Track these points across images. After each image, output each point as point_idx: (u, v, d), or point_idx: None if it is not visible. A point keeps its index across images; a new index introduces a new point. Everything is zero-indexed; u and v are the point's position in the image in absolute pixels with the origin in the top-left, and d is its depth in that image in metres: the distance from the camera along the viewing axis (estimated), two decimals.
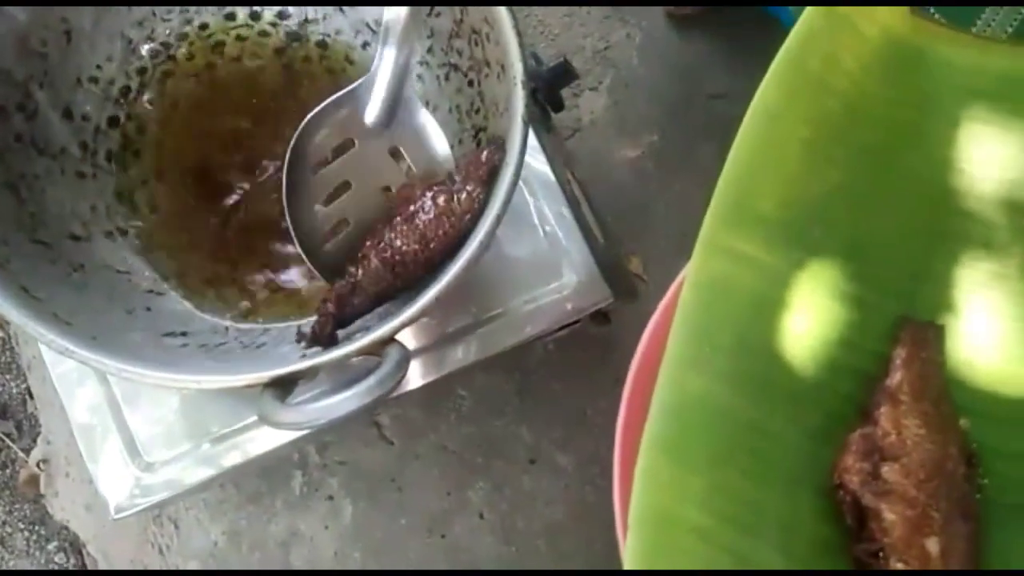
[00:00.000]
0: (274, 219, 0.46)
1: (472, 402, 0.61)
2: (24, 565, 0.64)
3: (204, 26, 0.47)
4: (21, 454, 0.64)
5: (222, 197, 0.46)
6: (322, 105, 0.40)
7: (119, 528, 0.62)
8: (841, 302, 0.33)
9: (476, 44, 0.41)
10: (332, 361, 0.35)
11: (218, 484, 0.59)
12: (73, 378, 0.46)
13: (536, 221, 0.47)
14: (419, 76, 0.45)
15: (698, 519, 0.30)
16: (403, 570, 0.60)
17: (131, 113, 0.46)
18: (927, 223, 0.34)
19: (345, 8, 0.47)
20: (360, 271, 0.39)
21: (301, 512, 0.61)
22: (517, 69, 0.37)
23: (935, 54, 0.34)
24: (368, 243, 0.39)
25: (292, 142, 0.40)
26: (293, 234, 0.40)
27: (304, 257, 0.40)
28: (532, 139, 0.43)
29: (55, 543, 0.64)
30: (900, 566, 0.30)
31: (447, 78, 0.45)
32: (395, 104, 0.40)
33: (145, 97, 0.46)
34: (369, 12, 0.47)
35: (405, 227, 0.38)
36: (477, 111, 0.42)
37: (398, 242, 0.38)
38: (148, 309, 0.43)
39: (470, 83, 0.43)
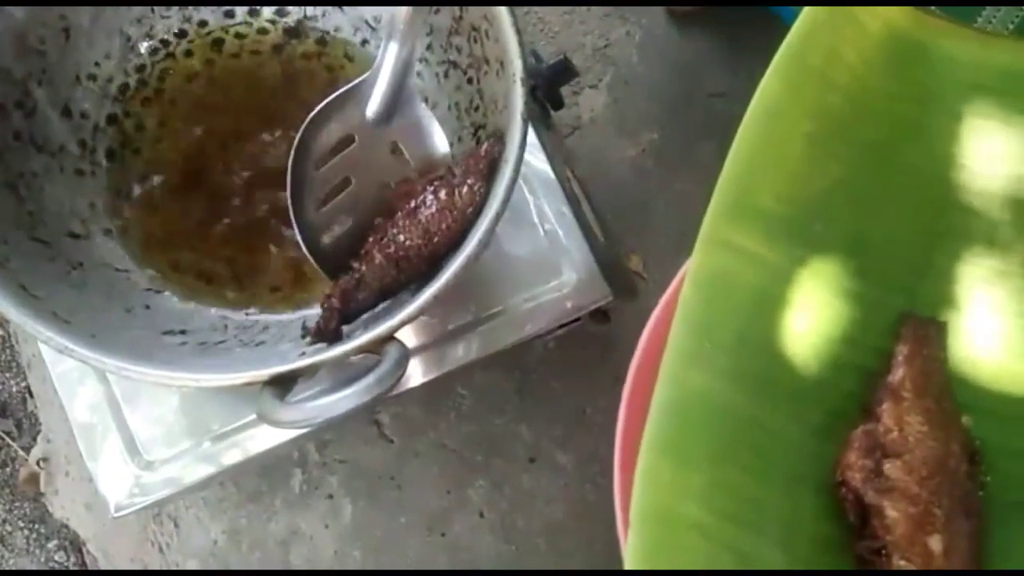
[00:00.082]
0: (272, 216, 0.45)
1: (472, 400, 0.61)
2: (24, 563, 0.63)
3: (203, 23, 0.47)
4: (21, 452, 0.64)
5: (220, 194, 0.46)
6: (326, 100, 0.40)
7: (119, 526, 0.62)
8: (843, 298, 0.33)
9: (475, 41, 0.41)
10: (331, 359, 0.35)
11: (218, 482, 0.59)
12: (73, 377, 0.46)
13: (536, 219, 0.47)
14: (418, 73, 0.45)
15: (699, 516, 0.30)
16: (403, 570, 0.60)
17: (129, 110, 0.46)
18: (929, 219, 0.34)
19: (344, 5, 0.47)
20: (364, 267, 0.39)
21: (301, 510, 0.60)
22: (517, 66, 0.37)
23: (936, 48, 0.34)
24: (371, 239, 0.39)
25: (297, 138, 0.39)
26: (297, 231, 0.40)
27: (307, 254, 0.40)
28: (532, 137, 0.43)
29: (55, 541, 0.64)
30: (903, 564, 0.30)
31: (446, 75, 0.44)
32: (397, 99, 0.40)
33: (143, 94, 0.46)
34: (368, 9, 0.47)
35: (407, 222, 0.38)
36: (476, 109, 0.42)
37: (401, 237, 0.38)
38: (147, 307, 0.43)
39: (469, 80, 0.43)
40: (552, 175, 0.47)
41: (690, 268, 0.32)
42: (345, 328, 0.40)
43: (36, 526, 0.64)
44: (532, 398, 0.61)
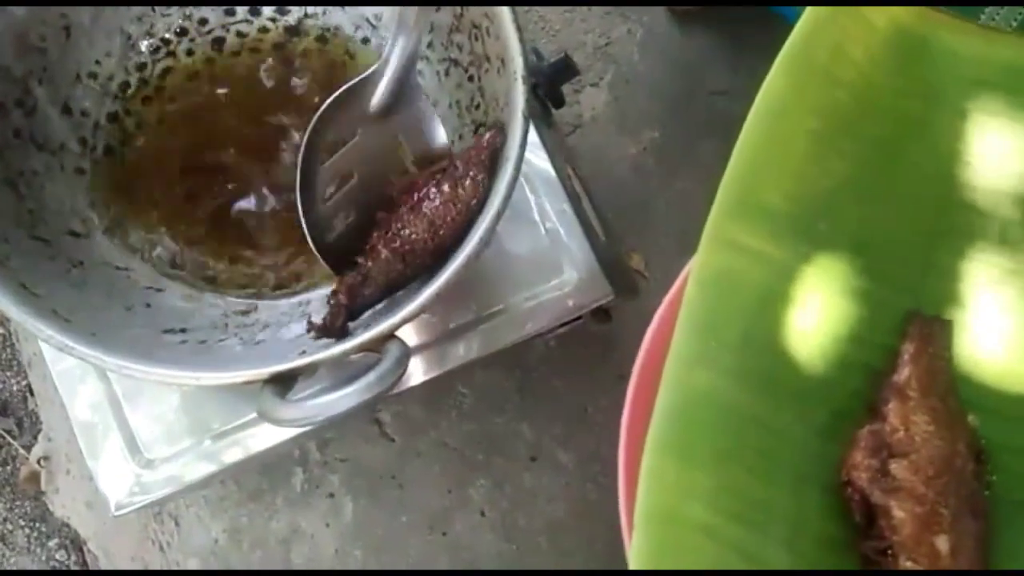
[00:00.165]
0: (274, 211, 0.45)
1: (473, 399, 0.61)
2: (25, 562, 0.63)
3: (203, 21, 0.47)
4: (22, 451, 0.64)
5: (221, 192, 0.46)
6: (335, 95, 0.39)
7: (120, 525, 0.62)
8: (848, 296, 0.33)
9: (476, 39, 0.41)
10: (332, 357, 0.35)
11: (219, 481, 0.59)
12: (74, 375, 0.46)
13: (537, 217, 0.47)
14: (419, 71, 0.45)
15: (704, 517, 0.30)
16: (405, 569, 0.60)
17: (130, 109, 0.46)
18: (934, 217, 0.34)
19: (344, 4, 0.47)
20: (370, 262, 0.39)
21: (302, 509, 0.60)
22: (517, 64, 0.37)
23: (940, 44, 0.34)
24: (376, 234, 0.39)
25: (307, 134, 0.39)
26: (305, 227, 0.40)
27: (314, 250, 0.40)
28: (533, 135, 0.43)
29: (56, 540, 0.63)
30: (909, 564, 0.29)
31: (447, 73, 0.44)
32: (401, 93, 0.40)
33: (144, 93, 0.46)
34: (368, 7, 0.47)
35: (412, 216, 0.38)
36: (477, 106, 0.42)
37: (406, 231, 0.38)
38: (147, 305, 0.42)
39: (470, 78, 0.42)
40: (553, 173, 0.47)
41: (694, 267, 0.32)
42: (350, 324, 0.40)
43: (37, 525, 0.64)
44: (533, 397, 0.61)
